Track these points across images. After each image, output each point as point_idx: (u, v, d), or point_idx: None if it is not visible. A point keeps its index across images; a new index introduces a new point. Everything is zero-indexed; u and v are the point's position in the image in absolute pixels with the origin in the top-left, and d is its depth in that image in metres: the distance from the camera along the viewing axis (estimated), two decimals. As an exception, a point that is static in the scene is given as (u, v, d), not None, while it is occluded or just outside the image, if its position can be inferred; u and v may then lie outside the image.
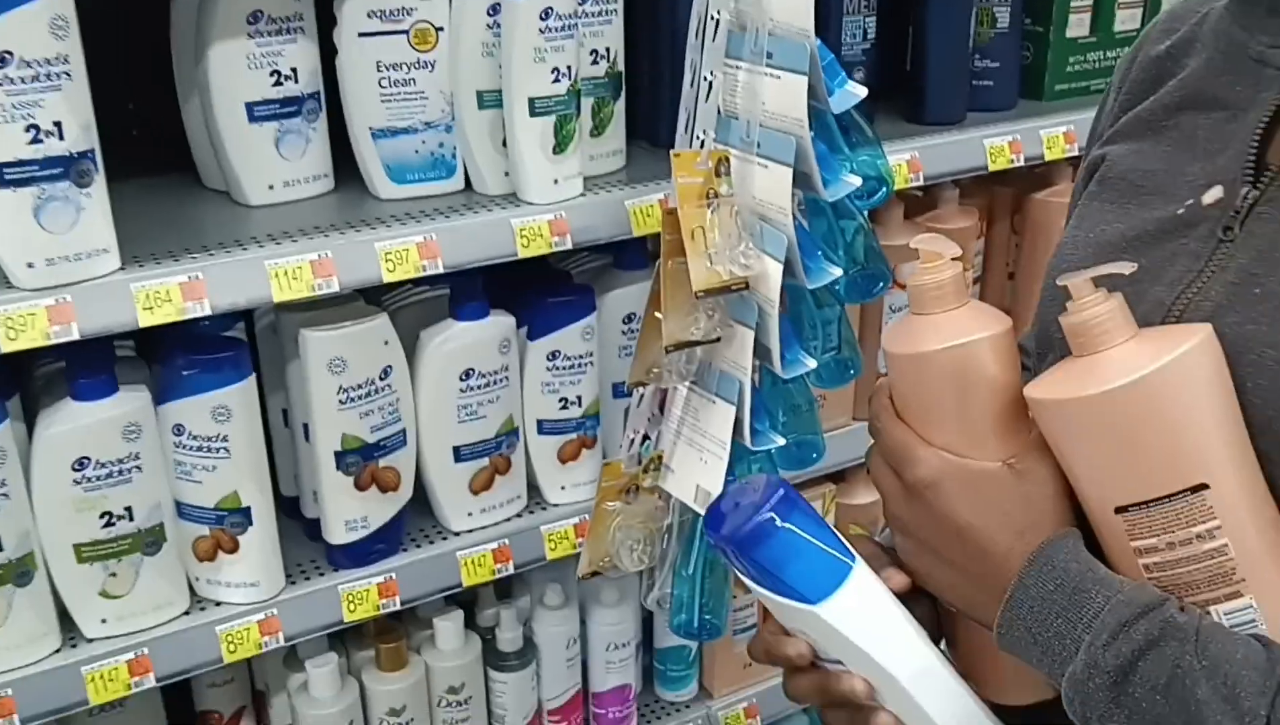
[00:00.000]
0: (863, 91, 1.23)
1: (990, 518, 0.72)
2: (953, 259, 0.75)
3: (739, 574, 0.79)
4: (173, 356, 1.19)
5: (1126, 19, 1.71)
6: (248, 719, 1.56)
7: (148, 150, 1.36)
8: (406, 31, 1.25)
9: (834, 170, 1.26)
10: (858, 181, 1.27)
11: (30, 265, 1.04)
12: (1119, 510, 0.69)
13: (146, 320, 1.08)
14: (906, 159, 1.49)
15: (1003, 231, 1.78)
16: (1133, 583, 0.68)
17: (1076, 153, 1.61)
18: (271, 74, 1.24)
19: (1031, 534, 0.71)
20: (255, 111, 1.24)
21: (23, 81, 1.00)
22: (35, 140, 1.01)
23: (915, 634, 0.78)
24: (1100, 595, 0.67)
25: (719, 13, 1.22)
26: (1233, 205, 0.73)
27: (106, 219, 1.08)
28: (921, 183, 1.52)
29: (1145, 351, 0.67)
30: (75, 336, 1.05)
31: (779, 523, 0.76)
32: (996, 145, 1.55)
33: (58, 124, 1.02)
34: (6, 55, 0.99)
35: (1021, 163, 1.57)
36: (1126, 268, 0.68)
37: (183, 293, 1.09)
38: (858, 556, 0.78)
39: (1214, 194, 0.74)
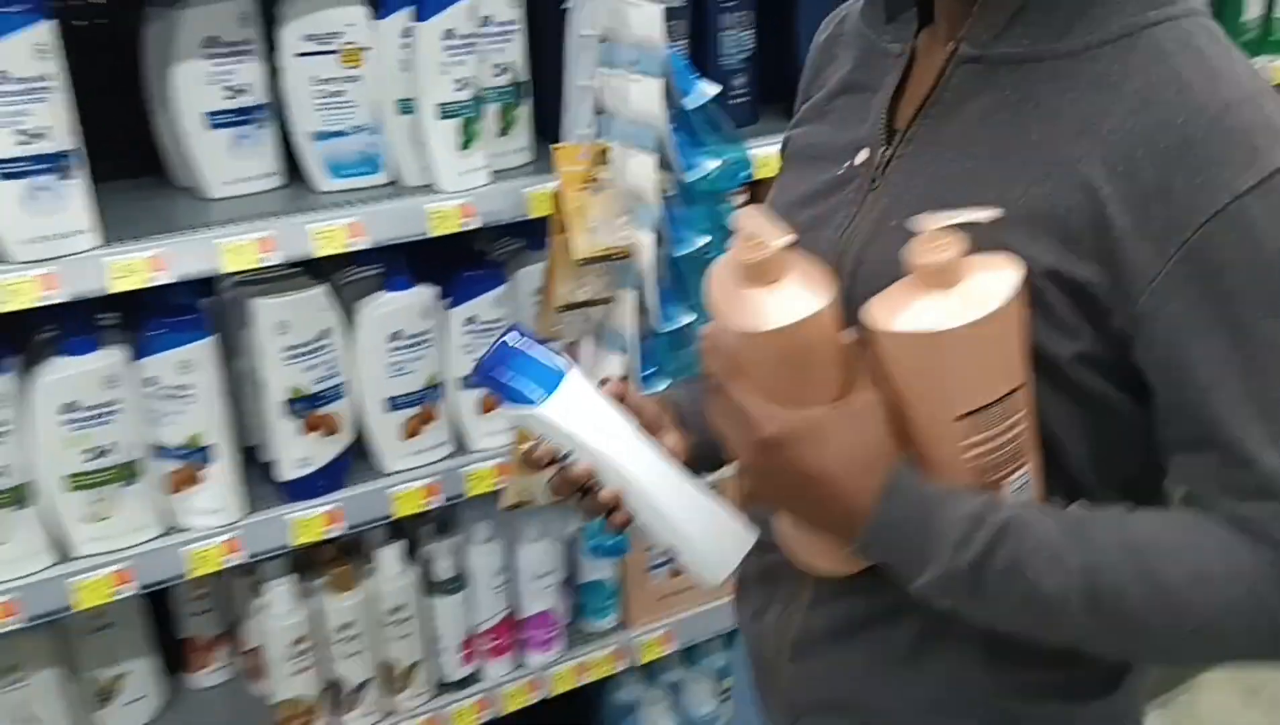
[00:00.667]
0: (713, 89, 1.48)
1: (838, 462, 0.80)
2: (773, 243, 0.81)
3: (498, 403, 1.01)
4: (147, 320, 1.45)
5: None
6: (223, 644, 1.81)
7: (128, 156, 1.62)
8: (337, 51, 1.51)
9: (693, 157, 1.52)
10: (715, 164, 1.52)
11: (21, 242, 1.30)
12: (960, 417, 0.79)
13: (118, 287, 1.34)
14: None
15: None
16: (960, 494, 0.80)
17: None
18: (225, 89, 1.50)
19: (877, 466, 0.80)
20: (214, 120, 1.50)
21: (14, 95, 1.26)
22: (25, 141, 1.28)
23: (627, 425, 0.97)
24: (941, 516, 0.79)
25: (592, 30, 1.47)
26: (874, 162, 0.92)
27: (85, 205, 1.33)
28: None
29: (989, 287, 0.77)
30: (60, 300, 1.31)
31: (510, 345, 0.98)
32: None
33: (44, 129, 1.28)
34: (2, 74, 1.25)
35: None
36: (986, 216, 0.78)
37: (149, 265, 1.35)
38: (572, 366, 0.98)
39: (862, 156, 0.93)
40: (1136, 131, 0.77)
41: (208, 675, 1.81)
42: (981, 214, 0.77)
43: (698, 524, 0.95)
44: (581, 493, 0.97)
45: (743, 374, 0.82)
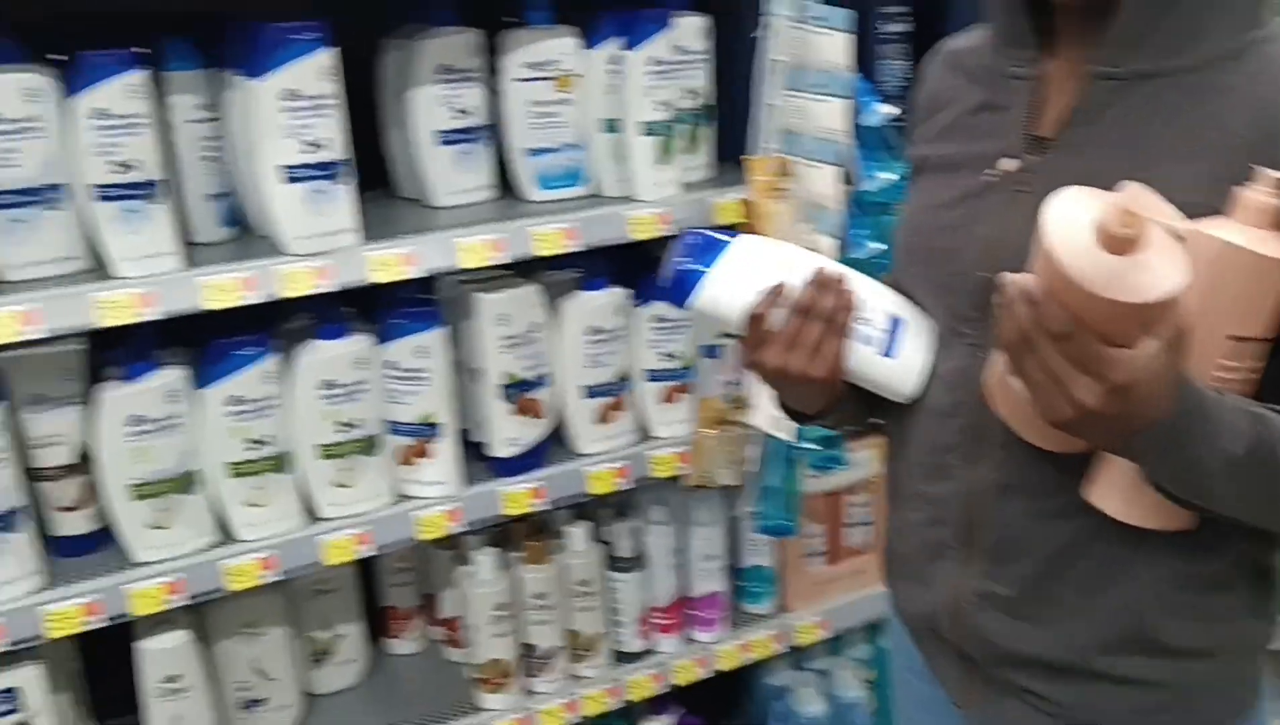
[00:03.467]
0: (891, 111, 1.66)
1: (1166, 395, 0.89)
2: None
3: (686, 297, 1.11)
4: (388, 311, 1.65)
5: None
6: (420, 614, 1.99)
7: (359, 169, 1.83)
8: (552, 77, 1.70)
9: (870, 171, 1.68)
10: (891, 177, 1.69)
11: (301, 238, 1.50)
12: (1230, 337, 0.92)
13: (377, 278, 1.53)
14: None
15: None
16: (1226, 400, 0.92)
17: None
18: (453, 110, 1.70)
19: (1174, 386, 0.89)
20: (443, 138, 1.70)
21: (301, 111, 1.47)
22: (308, 150, 1.48)
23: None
24: (1218, 407, 0.91)
25: (780, 57, 1.65)
26: (1025, 168, 1.04)
27: (351, 207, 1.54)
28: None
29: None
30: (329, 289, 1.51)
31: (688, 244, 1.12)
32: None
33: (325, 140, 1.49)
34: (290, 92, 1.46)
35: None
36: None
37: (401, 260, 1.55)
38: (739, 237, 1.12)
39: (1008, 164, 1.05)
40: (1260, 124, 0.94)
41: (406, 642, 1.99)
42: None
43: (906, 317, 1.12)
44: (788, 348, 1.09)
45: (1082, 329, 0.85)
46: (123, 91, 1.40)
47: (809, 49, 1.64)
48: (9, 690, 1.51)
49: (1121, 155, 0.98)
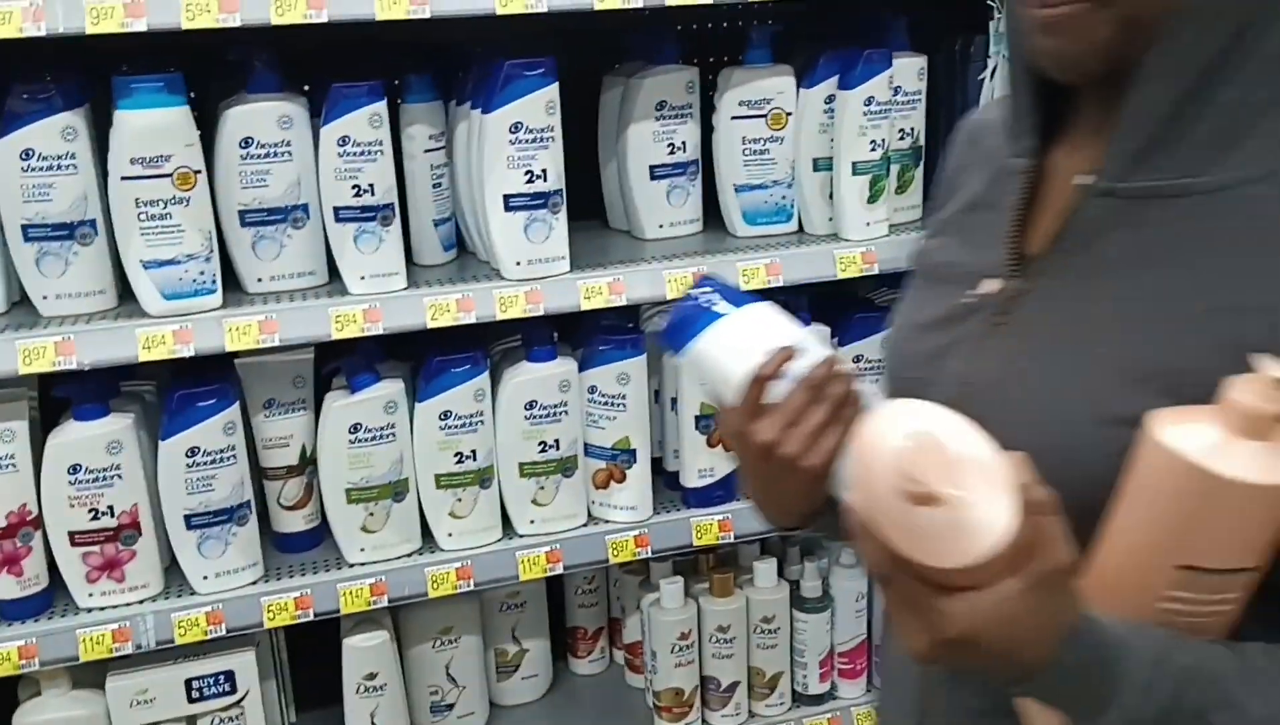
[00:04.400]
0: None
1: (1031, 635, 0.71)
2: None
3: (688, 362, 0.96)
4: (592, 338, 1.70)
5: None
6: (605, 636, 2.02)
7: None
8: (765, 115, 1.73)
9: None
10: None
11: (517, 263, 1.57)
12: (1180, 567, 0.74)
13: (587, 305, 1.58)
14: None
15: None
16: (1141, 631, 0.74)
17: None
18: (668, 146, 1.74)
19: (1064, 620, 0.72)
20: (655, 172, 1.75)
21: (525, 143, 1.54)
22: (530, 181, 1.55)
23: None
24: (1125, 658, 0.72)
25: (995, 64, 1.63)
26: (1003, 294, 0.86)
27: (564, 236, 1.60)
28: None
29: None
30: (542, 313, 1.57)
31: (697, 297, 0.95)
32: None
33: (544, 171, 1.55)
34: (517, 125, 1.53)
35: None
36: None
37: (610, 288, 1.59)
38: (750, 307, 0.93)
39: (989, 285, 0.87)
40: None
41: (588, 663, 2.03)
42: None
43: None
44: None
45: (903, 575, 0.71)
46: (366, 121, 1.50)
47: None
48: (228, 672, 1.61)
49: (1118, 296, 0.79)
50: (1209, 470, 0.71)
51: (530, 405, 1.65)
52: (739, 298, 0.95)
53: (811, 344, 0.91)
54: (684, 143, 1.75)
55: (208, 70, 1.59)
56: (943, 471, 0.67)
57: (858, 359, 1.80)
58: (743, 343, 0.91)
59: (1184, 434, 0.72)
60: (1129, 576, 0.76)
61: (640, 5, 1.49)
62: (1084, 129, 0.85)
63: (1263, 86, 0.75)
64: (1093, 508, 0.77)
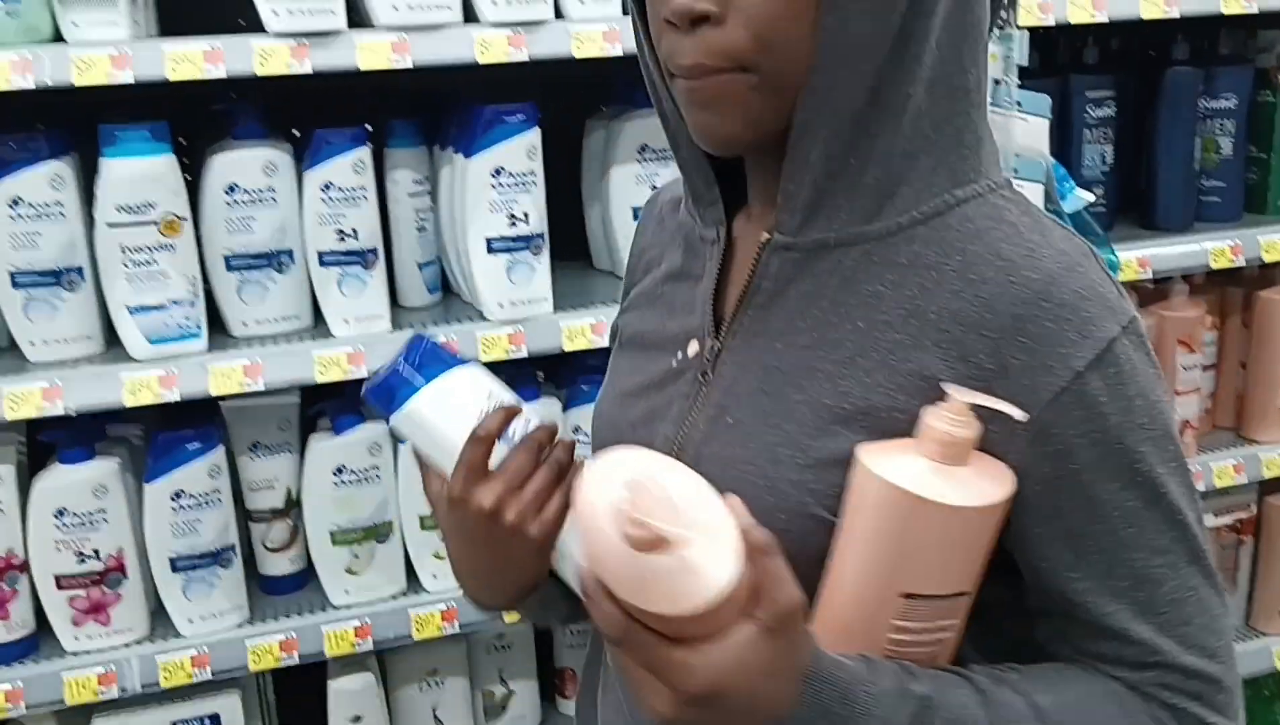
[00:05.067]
0: (1090, 197, 1.63)
1: (771, 683, 0.72)
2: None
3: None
4: (577, 378, 1.71)
5: (1348, 146, 1.99)
6: (593, 676, 2.02)
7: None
8: (745, 157, 1.75)
9: (1066, 257, 1.65)
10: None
11: (500, 305, 1.59)
12: (905, 595, 0.76)
13: (570, 346, 1.60)
14: (1137, 257, 1.83)
15: (1235, 325, 2.06)
16: (878, 666, 0.76)
17: (1295, 257, 1.91)
18: (649, 188, 1.76)
19: (799, 664, 0.73)
20: (637, 214, 1.75)
21: (507, 186, 1.56)
22: (512, 224, 1.57)
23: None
24: (864, 693, 0.74)
25: (977, 141, 1.65)
26: (704, 355, 0.87)
27: (547, 278, 1.61)
28: (1151, 277, 1.85)
29: (988, 482, 0.75)
30: (525, 354, 1.59)
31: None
32: (1218, 248, 1.87)
33: (526, 214, 1.57)
34: (499, 169, 1.55)
35: (1242, 263, 1.88)
36: (1018, 414, 0.73)
37: (592, 329, 1.61)
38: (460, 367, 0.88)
39: (693, 347, 0.88)
40: (964, 313, 0.77)
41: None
42: (1015, 412, 0.73)
43: None
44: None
45: (638, 631, 0.70)
46: (350, 166, 1.52)
47: (1007, 134, 1.63)
48: (213, 716, 1.61)
49: (808, 344, 0.82)
50: (915, 494, 0.73)
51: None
52: (448, 359, 0.90)
53: (531, 411, 0.89)
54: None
55: (195, 118, 1.61)
56: (665, 512, 0.68)
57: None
58: (461, 403, 0.87)
59: (891, 463, 0.75)
60: (857, 610, 0.78)
61: (619, 54, 1.52)
62: (761, 194, 0.87)
63: (908, 136, 0.79)
64: (810, 552, 0.79)
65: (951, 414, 0.74)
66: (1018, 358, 0.75)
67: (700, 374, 0.87)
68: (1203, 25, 1.89)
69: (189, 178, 1.51)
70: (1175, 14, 1.73)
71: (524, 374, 1.68)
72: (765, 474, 0.81)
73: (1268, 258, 1.89)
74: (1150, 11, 1.72)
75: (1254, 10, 1.76)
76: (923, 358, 0.78)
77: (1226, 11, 1.76)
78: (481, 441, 0.84)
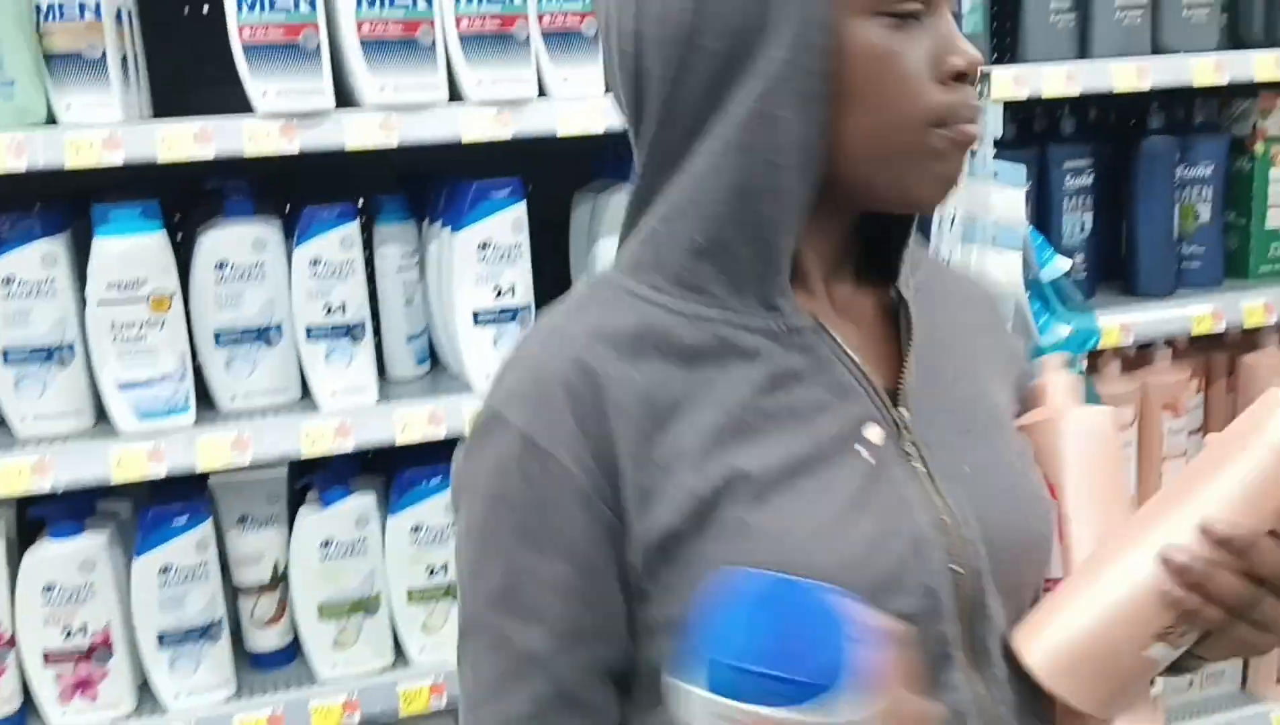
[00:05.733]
0: (1067, 264, 1.65)
1: None
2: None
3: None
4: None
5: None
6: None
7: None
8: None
9: (1047, 324, 1.67)
10: (1066, 331, 1.67)
11: (486, 376, 1.59)
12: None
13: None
14: (1120, 323, 1.84)
15: (1220, 390, 2.07)
16: None
17: (1277, 321, 1.93)
18: (636, 259, 1.79)
19: None
20: (623, 284, 1.79)
21: (494, 260, 1.58)
22: (498, 296, 1.59)
23: None
24: None
25: (956, 210, 1.68)
26: (900, 430, 0.84)
27: (533, 349, 1.63)
28: (1133, 342, 1.87)
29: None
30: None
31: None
32: (1200, 313, 1.89)
33: (513, 286, 1.59)
34: (485, 242, 1.58)
35: (1224, 328, 1.90)
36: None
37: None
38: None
39: (873, 433, 0.82)
40: (982, 319, 1.00)
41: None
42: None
43: None
44: None
45: None
46: (338, 242, 1.55)
47: (985, 202, 1.65)
48: (198, 793, 1.60)
49: (955, 375, 0.90)
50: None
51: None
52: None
53: None
54: (652, 256, 1.79)
55: (187, 195, 1.64)
56: None
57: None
58: None
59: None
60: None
61: (600, 131, 1.55)
62: (819, 261, 0.86)
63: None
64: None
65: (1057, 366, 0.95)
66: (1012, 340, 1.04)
67: (904, 451, 0.84)
68: (1177, 95, 1.93)
69: (183, 254, 1.53)
70: (1148, 86, 1.77)
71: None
72: (1028, 483, 0.90)
73: (1249, 322, 1.91)
74: (1124, 84, 1.76)
75: (1224, 82, 1.81)
76: (995, 358, 0.96)
77: (1198, 83, 1.81)
78: None
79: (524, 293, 1.61)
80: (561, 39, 1.56)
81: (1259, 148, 1.98)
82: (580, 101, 1.56)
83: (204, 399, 1.57)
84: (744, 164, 0.78)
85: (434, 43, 1.49)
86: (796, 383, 0.82)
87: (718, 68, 0.78)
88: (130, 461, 1.47)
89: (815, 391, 0.82)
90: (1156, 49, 1.84)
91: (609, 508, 0.79)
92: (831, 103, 0.78)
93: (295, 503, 1.66)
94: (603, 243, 1.76)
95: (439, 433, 1.57)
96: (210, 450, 1.49)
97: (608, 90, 0.92)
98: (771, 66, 0.77)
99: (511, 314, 1.60)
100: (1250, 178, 1.99)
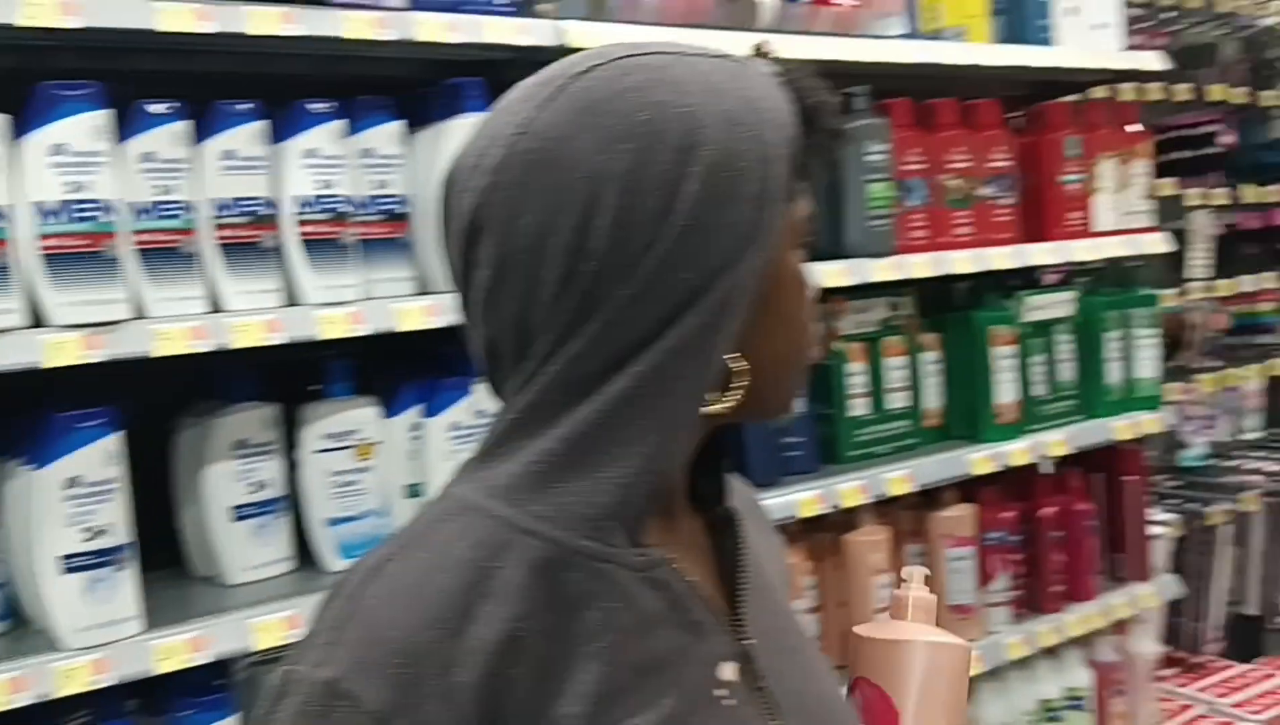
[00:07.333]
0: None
1: None
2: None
3: None
4: (177, 700, 1.54)
5: (897, 398, 2.27)
6: None
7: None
8: (353, 447, 1.71)
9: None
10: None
11: (78, 630, 1.41)
12: None
13: (164, 668, 1.44)
14: (736, 513, 1.95)
15: (829, 568, 2.22)
16: None
17: (870, 500, 2.11)
18: (249, 484, 1.67)
19: None
20: (238, 513, 1.67)
21: (84, 498, 1.42)
22: (90, 538, 1.42)
23: None
24: None
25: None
26: (751, 667, 0.84)
27: (134, 594, 1.46)
28: (750, 530, 1.97)
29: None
30: (112, 683, 1.41)
31: None
32: (805, 498, 2.03)
33: (108, 526, 1.43)
34: (74, 479, 1.42)
35: (828, 510, 2.06)
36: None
37: (190, 645, 1.46)
38: None
39: (726, 672, 0.82)
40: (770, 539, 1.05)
41: None
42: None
43: None
44: None
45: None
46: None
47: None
48: None
49: (770, 594, 0.92)
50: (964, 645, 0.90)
51: None
52: None
53: None
54: (268, 480, 1.69)
55: None
56: None
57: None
58: None
59: (910, 630, 0.90)
60: None
61: (209, 349, 1.47)
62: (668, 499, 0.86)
63: None
64: None
65: (915, 583, 0.92)
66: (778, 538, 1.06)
67: (755, 686, 0.84)
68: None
69: None
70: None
71: (111, 705, 1.49)
72: (845, 705, 0.91)
73: (846, 503, 2.08)
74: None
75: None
76: (776, 561, 1.01)
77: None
78: None
79: (122, 531, 1.46)
80: (161, 255, 1.48)
81: (835, 346, 2.21)
82: (180, 321, 1.46)
83: None
84: (672, 394, 0.76)
85: (5, 266, 1.36)
86: (659, 625, 0.80)
87: (681, 299, 0.76)
88: None
89: (674, 634, 0.81)
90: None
91: None
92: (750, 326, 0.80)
93: None
94: (212, 469, 1.65)
95: (25, 699, 1.35)
96: None
97: (460, 290, 0.85)
98: (722, 297, 0.77)
99: (107, 556, 1.44)
100: (832, 373, 2.20)
